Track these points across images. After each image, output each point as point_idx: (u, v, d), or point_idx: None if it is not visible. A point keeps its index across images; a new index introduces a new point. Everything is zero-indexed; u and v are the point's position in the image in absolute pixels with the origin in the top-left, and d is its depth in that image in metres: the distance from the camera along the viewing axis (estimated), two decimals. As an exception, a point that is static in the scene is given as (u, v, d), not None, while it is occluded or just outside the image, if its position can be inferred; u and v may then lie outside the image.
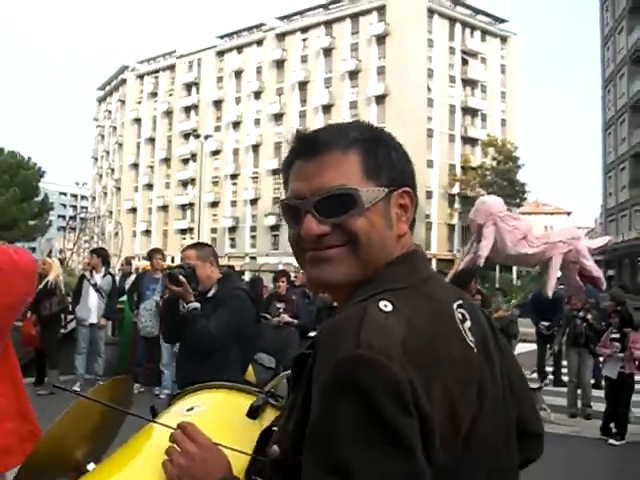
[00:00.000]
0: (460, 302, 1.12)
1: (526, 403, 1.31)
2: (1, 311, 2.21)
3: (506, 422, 1.14)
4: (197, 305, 3.92)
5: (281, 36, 70.92)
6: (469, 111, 66.02)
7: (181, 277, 3.90)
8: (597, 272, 5.82)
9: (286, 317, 9.32)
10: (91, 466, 1.56)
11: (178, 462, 1.22)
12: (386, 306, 1.00)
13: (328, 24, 67.61)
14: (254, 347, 4.17)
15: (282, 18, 73.58)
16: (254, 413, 1.47)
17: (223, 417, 1.53)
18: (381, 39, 63.29)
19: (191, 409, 1.51)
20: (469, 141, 65.20)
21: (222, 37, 78.15)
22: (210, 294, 4.11)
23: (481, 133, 64.43)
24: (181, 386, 3.84)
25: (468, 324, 1.09)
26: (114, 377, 1.96)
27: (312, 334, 7.42)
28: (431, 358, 0.98)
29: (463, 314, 1.10)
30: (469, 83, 66.22)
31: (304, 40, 69.41)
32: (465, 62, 66.00)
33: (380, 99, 62.63)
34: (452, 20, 65.37)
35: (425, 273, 1.15)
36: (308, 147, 1.15)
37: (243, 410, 1.47)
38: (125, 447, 1.47)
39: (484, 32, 68.27)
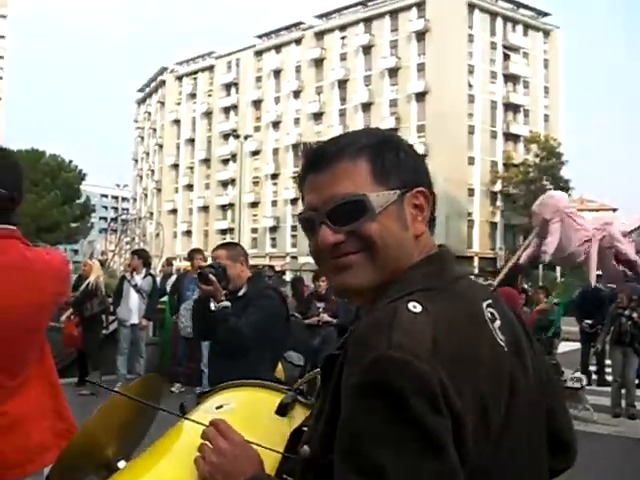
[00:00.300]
0: (489, 301, 1.13)
1: (559, 412, 1.30)
2: (33, 311, 2.26)
3: (538, 422, 1.15)
4: (228, 304, 3.97)
5: (320, 34, 70.93)
6: (511, 107, 65.19)
7: (211, 276, 3.95)
8: (634, 256, 5.69)
9: (325, 316, 9.39)
10: (121, 464, 1.57)
11: (210, 459, 1.23)
12: (415, 307, 1.02)
13: (367, 21, 67.40)
14: (284, 345, 4.29)
15: (321, 16, 73.59)
16: (283, 410, 1.48)
17: (252, 414, 1.54)
18: (421, 35, 62.86)
19: (220, 407, 1.52)
20: (511, 137, 64.38)
21: (260, 37, 78.48)
22: (240, 293, 4.17)
23: (523, 129, 63.56)
24: (213, 384, 3.97)
25: (498, 323, 1.10)
26: (144, 375, 1.94)
27: None
28: (461, 357, 0.99)
29: (492, 313, 1.11)
30: (511, 78, 65.37)
31: (343, 38, 69.30)
32: (507, 57, 65.17)
33: (420, 96, 62.23)
34: (493, 14, 64.57)
35: (453, 273, 1.16)
36: (317, 160, 1.18)
37: (272, 407, 1.48)
38: (156, 444, 1.49)
39: (526, 26, 67.27)
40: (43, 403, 2.35)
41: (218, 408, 1.51)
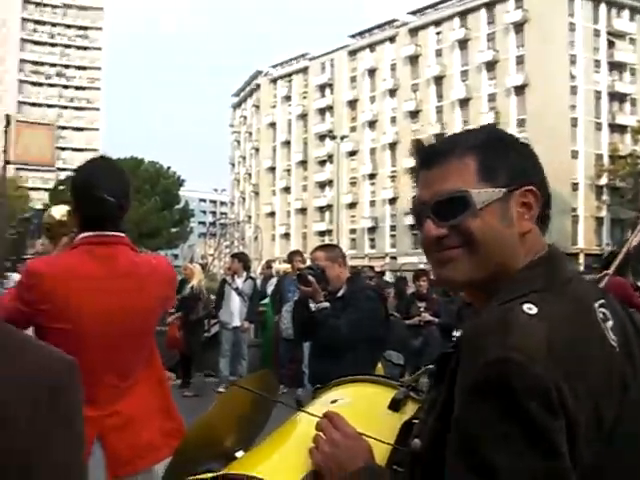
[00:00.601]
0: (602, 301, 1.15)
1: None
2: (143, 315, 2.40)
3: None
4: (327, 305, 4.07)
5: (414, 31, 70.31)
6: (617, 96, 62.44)
7: (310, 278, 4.06)
8: None
9: (427, 316, 9.45)
10: (240, 453, 1.65)
11: (324, 449, 1.32)
12: (530, 309, 1.04)
13: (462, 15, 66.27)
14: (383, 345, 4.41)
15: (414, 12, 73.01)
16: (396, 406, 1.52)
17: (366, 409, 1.59)
18: (519, 27, 61.21)
19: (335, 401, 1.59)
20: (617, 128, 61.67)
21: (354, 36, 78.65)
22: (340, 294, 4.26)
23: (630, 119, 60.66)
24: (314, 384, 3.99)
25: (610, 323, 1.11)
26: (259, 371, 2.15)
27: (456, 333, 7.42)
28: (574, 358, 1.01)
29: (605, 313, 1.12)
30: (616, 66, 62.58)
31: (438, 33, 68.44)
32: (611, 44, 62.42)
33: (520, 90, 60.66)
34: (596, 0, 62.01)
35: (566, 274, 1.18)
36: (428, 157, 1.24)
37: (385, 403, 1.53)
38: (273, 435, 1.60)
39: (632, 10, 64.07)
40: (152, 403, 2.48)
41: (333, 402, 1.59)
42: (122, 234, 2.38)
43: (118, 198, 2.33)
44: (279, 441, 1.57)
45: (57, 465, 1.01)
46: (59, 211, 3.07)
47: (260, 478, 1.35)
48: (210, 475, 1.46)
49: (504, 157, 1.20)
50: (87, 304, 2.24)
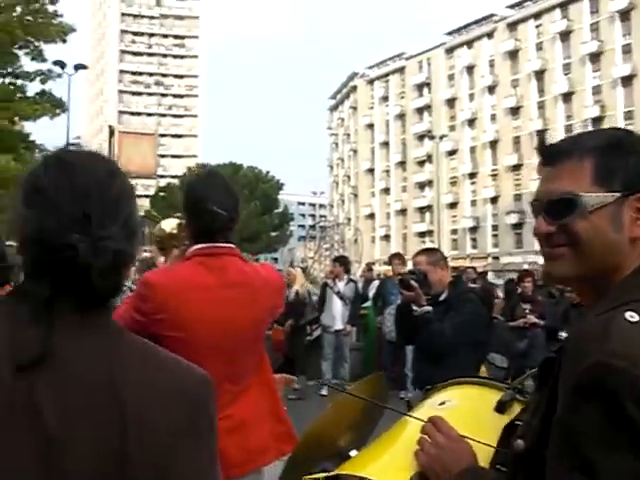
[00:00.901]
0: None
1: None
2: (253, 323, 2.48)
3: None
4: (429, 308, 4.11)
5: (513, 25, 68.64)
6: None
7: (413, 282, 4.13)
8: None
9: (532, 318, 9.17)
10: (353, 453, 1.77)
11: (429, 451, 1.41)
12: (632, 317, 1.06)
13: (563, 6, 64.10)
14: (486, 348, 4.49)
15: (513, 6, 71.21)
16: (502, 408, 1.57)
17: (473, 411, 1.66)
18: (625, 14, 58.62)
19: (442, 403, 1.68)
20: None
21: (450, 33, 77.58)
22: (442, 297, 4.30)
23: None
24: (418, 387, 4.31)
25: None
26: (370, 375, 2.20)
27: (562, 334, 7.28)
28: None
29: None
30: None
31: (538, 26, 66.50)
32: None
33: (627, 80, 58.09)
34: None
35: None
36: (550, 155, 1.28)
37: (491, 405, 1.58)
38: (382, 437, 1.70)
39: None
40: (263, 407, 2.54)
41: (441, 404, 1.67)
42: (232, 245, 2.46)
43: (228, 211, 2.42)
44: (388, 443, 1.66)
45: (191, 477, 1.07)
46: (169, 224, 3.16)
47: (370, 479, 1.42)
48: (324, 475, 1.56)
49: (622, 161, 1.21)
50: (200, 314, 2.33)
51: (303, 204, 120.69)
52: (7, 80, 16.38)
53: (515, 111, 67.34)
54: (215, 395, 1.14)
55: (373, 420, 2.04)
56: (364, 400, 1.73)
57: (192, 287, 2.36)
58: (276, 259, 58.89)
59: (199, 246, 2.43)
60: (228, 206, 2.43)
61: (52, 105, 16.84)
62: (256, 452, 2.47)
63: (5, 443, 0.97)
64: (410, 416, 1.61)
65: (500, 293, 12.16)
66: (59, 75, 18.15)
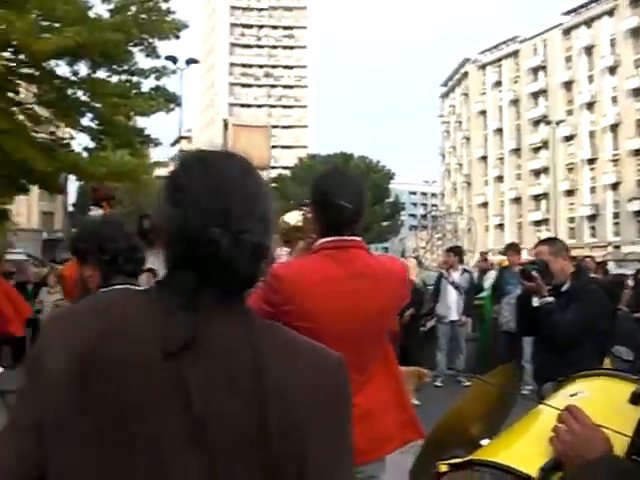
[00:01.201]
0: None
1: None
2: (379, 314, 2.50)
3: None
4: (551, 299, 4.04)
5: (636, 1, 65.04)
6: None
7: (534, 273, 4.05)
8: None
9: None
10: (485, 441, 1.82)
11: (564, 438, 1.44)
12: None
13: (693, -21, 60.32)
14: (609, 339, 4.26)
15: (636, -17, 67.62)
16: (636, 399, 1.59)
17: (606, 402, 1.70)
18: None
19: (574, 394, 1.72)
20: None
21: (567, 13, 74.37)
22: (564, 288, 4.21)
23: None
24: (539, 379, 4.27)
25: None
26: (502, 365, 2.26)
27: None
28: None
29: None
30: None
31: (664, 2, 62.83)
32: None
33: None
34: None
35: None
36: None
37: (624, 396, 1.61)
38: (515, 425, 1.75)
39: None
40: (388, 396, 2.58)
41: (572, 395, 1.71)
42: (358, 238, 2.51)
43: (355, 204, 2.46)
44: (520, 431, 1.69)
45: (329, 465, 1.08)
46: (293, 217, 3.23)
47: (506, 465, 1.46)
48: (456, 460, 1.60)
49: None
50: (328, 305, 2.37)
51: (414, 193, 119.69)
52: (123, 77, 16.89)
53: (638, 92, 63.94)
54: (349, 378, 1.16)
55: (505, 410, 2.07)
56: (499, 389, 1.79)
57: (320, 279, 2.41)
58: (386, 249, 58.82)
59: (326, 239, 2.48)
60: (354, 199, 2.46)
61: (166, 100, 17.28)
62: (381, 440, 2.51)
63: (158, 419, 1.03)
64: (546, 405, 1.64)
65: (630, 283, 11.63)
66: (173, 72, 18.62)
